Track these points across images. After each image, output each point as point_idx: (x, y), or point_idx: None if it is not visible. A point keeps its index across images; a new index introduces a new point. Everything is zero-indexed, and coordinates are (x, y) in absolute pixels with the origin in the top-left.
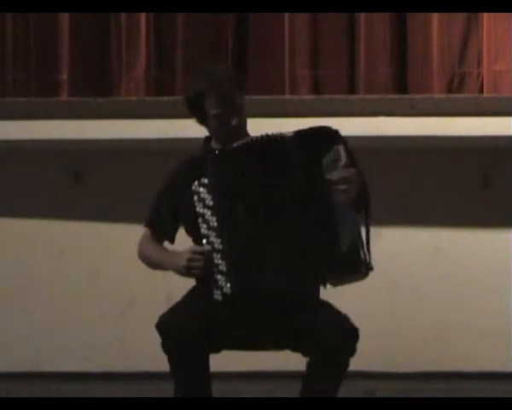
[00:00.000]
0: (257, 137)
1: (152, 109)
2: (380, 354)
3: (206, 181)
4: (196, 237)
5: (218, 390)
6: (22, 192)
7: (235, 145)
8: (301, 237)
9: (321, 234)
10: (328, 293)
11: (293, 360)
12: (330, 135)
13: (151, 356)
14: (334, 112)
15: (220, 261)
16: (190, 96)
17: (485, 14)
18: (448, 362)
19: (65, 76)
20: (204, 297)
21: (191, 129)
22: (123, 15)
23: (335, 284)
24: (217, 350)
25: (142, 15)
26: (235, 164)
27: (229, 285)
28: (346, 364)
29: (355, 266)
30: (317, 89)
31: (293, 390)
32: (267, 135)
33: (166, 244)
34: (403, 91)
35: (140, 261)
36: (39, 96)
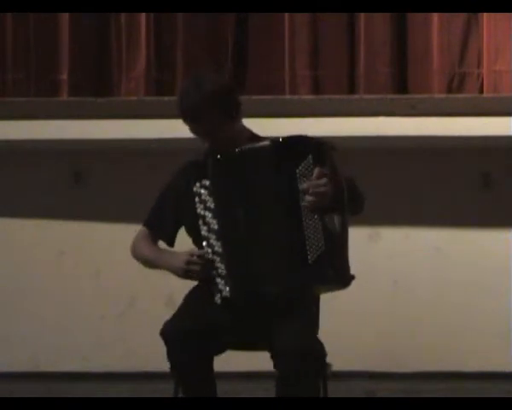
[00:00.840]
0: (249, 147)
1: (152, 109)
2: (380, 354)
3: (207, 183)
4: (196, 238)
5: (219, 390)
6: (22, 192)
7: (235, 151)
8: (278, 246)
9: (290, 245)
10: (329, 293)
11: None
12: (303, 143)
13: (151, 356)
14: (334, 112)
15: (220, 264)
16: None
17: (485, 14)
18: (448, 362)
19: (65, 76)
20: (205, 300)
21: None
22: (123, 15)
23: (315, 293)
24: (220, 352)
25: (142, 15)
26: (233, 170)
27: (228, 289)
28: (306, 384)
29: (325, 278)
30: (317, 89)
31: None
32: (249, 146)
33: (162, 245)
34: (403, 91)
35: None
36: (39, 96)
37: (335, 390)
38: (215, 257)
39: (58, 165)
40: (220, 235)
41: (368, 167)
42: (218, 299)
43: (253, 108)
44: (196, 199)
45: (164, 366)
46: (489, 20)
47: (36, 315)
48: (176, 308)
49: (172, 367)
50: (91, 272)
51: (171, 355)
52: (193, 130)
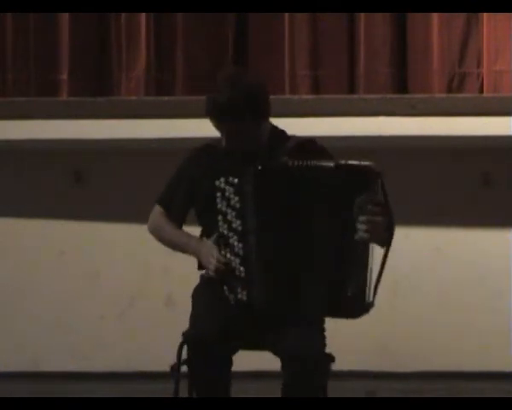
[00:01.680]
0: (298, 162)
1: (152, 109)
2: (380, 354)
3: (235, 181)
4: (208, 229)
5: None
6: (22, 192)
7: (277, 163)
8: (317, 270)
9: (332, 274)
10: None
11: None
12: (369, 174)
13: (151, 356)
14: (334, 112)
15: (238, 266)
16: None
17: (485, 14)
18: (448, 362)
19: (65, 76)
20: (219, 300)
21: (191, 129)
22: (123, 15)
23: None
24: (234, 353)
25: (142, 15)
26: (278, 180)
27: (245, 293)
28: (314, 385)
29: (353, 313)
30: (317, 89)
31: None
32: (308, 162)
33: None
34: (403, 91)
35: (139, 261)
36: (39, 96)
37: (335, 390)
38: (233, 257)
39: (58, 165)
40: (246, 238)
41: None
42: (232, 299)
43: None
44: (218, 194)
45: (164, 365)
46: (489, 20)
47: (36, 315)
48: (175, 308)
49: (194, 372)
50: (91, 272)
51: (196, 360)
52: (220, 127)
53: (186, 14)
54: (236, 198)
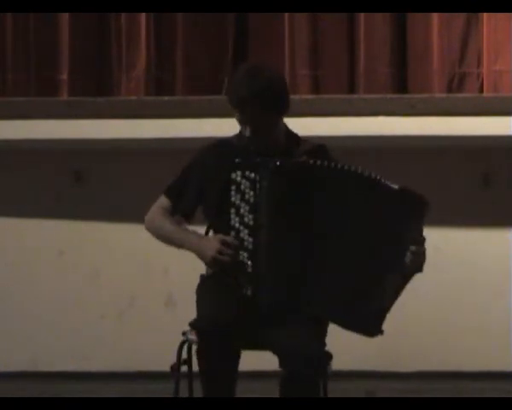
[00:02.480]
0: (318, 162)
1: (152, 109)
2: (380, 354)
3: (252, 175)
4: (218, 223)
5: None
6: (22, 192)
7: (296, 161)
8: (344, 281)
9: (363, 290)
10: None
11: None
12: (423, 205)
13: (151, 356)
14: (334, 112)
15: (246, 260)
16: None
17: (485, 14)
18: (448, 362)
19: (65, 76)
20: (223, 295)
21: (191, 129)
22: (123, 15)
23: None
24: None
25: (142, 15)
26: (292, 180)
27: (250, 288)
28: (312, 383)
29: (371, 331)
30: (317, 89)
31: None
32: (330, 164)
33: None
34: (403, 91)
35: (139, 261)
36: (39, 96)
37: (335, 390)
38: (242, 252)
39: (58, 165)
40: (257, 233)
41: (367, 167)
42: (238, 294)
43: None
44: (233, 187)
45: (164, 365)
46: (489, 20)
47: (36, 315)
48: (175, 308)
49: (204, 360)
50: (91, 272)
51: (206, 348)
52: (245, 116)
53: (186, 14)
54: (251, 192)
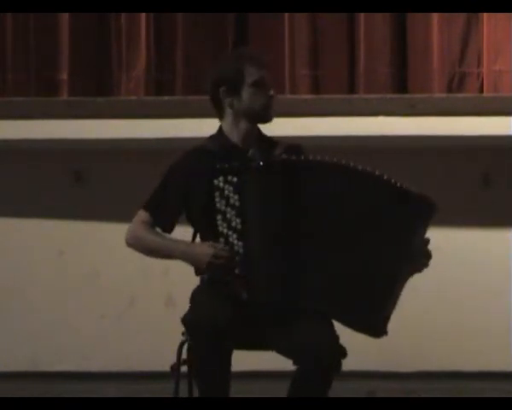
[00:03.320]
0: (302, 158)
1: (152, 109)
2: (380, 354)
3: (234, 180)
4: (205, 230)
5: None
6: (22, 192)
7: (281, 158)
8: (347, 275)
9: (362, 289)
10: None
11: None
12: (434, 208)
13: (151, 356)
14: (333, 112)
15: (238, 264)
16: (229, 68)
17: (485, 14)
18: (448, 362)
19: (65, 76)
20: (217, 298)
21: (191, 129)
22: (123, 15)
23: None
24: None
25: (142, 15)
26: (277, 178)
27: (245, 292)
28: (328, 380)
29: (376, 333)
30: (317, 89)
31: None
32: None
33: None
34: (403, 91)
35: (139, 261)
36: (39, 96)
37: (335, 390)
38: (233, 256)
39: (58, 165)
40: (246, 236)
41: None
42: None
43: None
44: (217, 193)
45: (164, 365)
46: (489, 20)
47: (36, 315)
48: (175, 309)
49: (196, 354)
50: (91, 272)
51: (196, 343)
52: (263, 71)
53: (186, 14)
54: (236, 196)
